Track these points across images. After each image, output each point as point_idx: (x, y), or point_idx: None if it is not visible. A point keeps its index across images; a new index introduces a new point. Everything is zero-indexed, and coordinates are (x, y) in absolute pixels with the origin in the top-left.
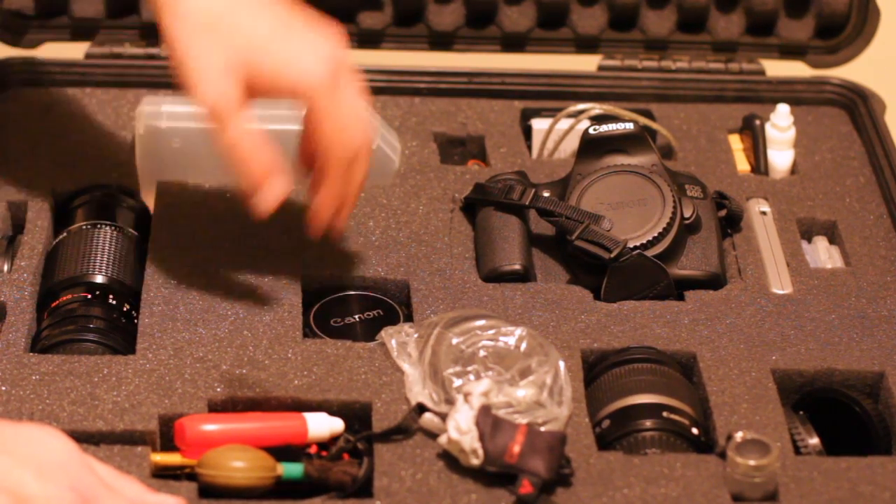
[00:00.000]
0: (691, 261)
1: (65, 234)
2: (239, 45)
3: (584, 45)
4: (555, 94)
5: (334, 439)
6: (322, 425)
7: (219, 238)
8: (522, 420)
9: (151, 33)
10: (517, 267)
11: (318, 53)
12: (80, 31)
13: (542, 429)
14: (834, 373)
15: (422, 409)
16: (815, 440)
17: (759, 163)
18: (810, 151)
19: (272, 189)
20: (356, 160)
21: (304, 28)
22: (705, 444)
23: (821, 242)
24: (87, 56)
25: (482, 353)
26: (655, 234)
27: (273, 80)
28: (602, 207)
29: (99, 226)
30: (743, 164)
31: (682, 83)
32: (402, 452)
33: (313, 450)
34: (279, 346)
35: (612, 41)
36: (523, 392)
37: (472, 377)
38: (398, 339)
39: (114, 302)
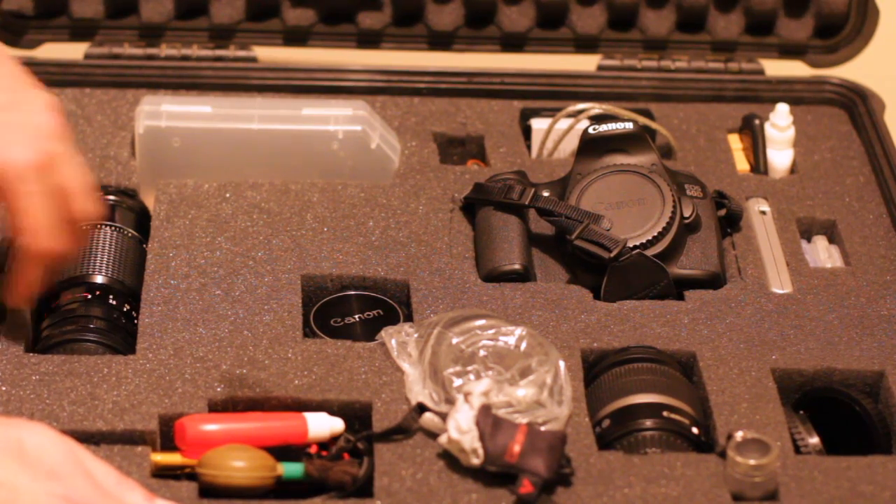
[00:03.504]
0: (691, 260)
1: None
2: None
3: (584, 44)
4: (554, 93)
5: (334, 439)
6: (322, 425)
7: (219, 238)
8: (523, 420)
9: (151, 33)
10: (517, 267)
11: (21, 144)
12: (79, 31)
13: (543, 428)
14: (834, 372)
15: (422, 408)
16: (815, 439)
17: (759, 162)
18: (810, 151)
19: None
20: (36, 260)
21: (15, 114)
22: (705, 444)
23: (820, 242)
24: (87, 56)
25: (482, 352)
26: (655, 234)
27: None
28: (602, 207)
29: (99, 226)
30: (742, 164)
31: (682, 83)
32: (402, 452)
33: (313, 450)
34: (279, 346)
35: (611, 41)
36: (523, 392)
37: (472, 377)
38: (398, 339)
39: (114, 302)
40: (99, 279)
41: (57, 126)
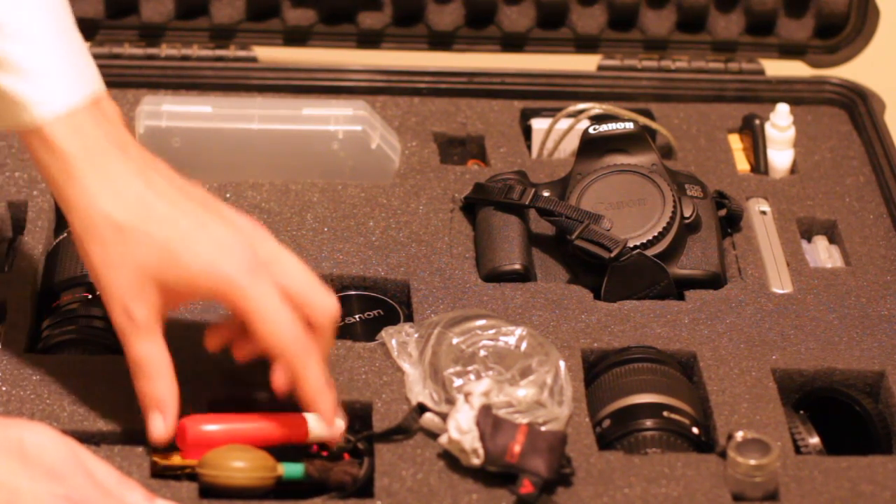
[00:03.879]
0: (691, 260)
1: (65, 234)
2: (148, 259)
3: (584, 44)
4: (554, 93)
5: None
6: (323, 425)
7: None
8: (523, 420)
9: (151, 33)
10: (517, 267)
11: (234, 254)
12: (79, 31)
13: (543, 428)
14: (834, 372)
15: (422, 408)
16: (815, 439)
17: (759, 162)
18: (810, 151)
19: (153, 422)
20: (303, 348)
21: (218, 224)
22: (706, 444)
23: (821, 242)
24: None
25: (482, 352)
26: (655, 234)
27: (190, 291)
28: (602, 207)
29: None
30: (743, 164)
31: (682, 83)
32: (402, 452)
33: (314, 450)
34: None
35: (611, 41)
36: (524, 392)
37: (472, 377)
38: (398, 339)
39: None
40: None
41: (259, 229)
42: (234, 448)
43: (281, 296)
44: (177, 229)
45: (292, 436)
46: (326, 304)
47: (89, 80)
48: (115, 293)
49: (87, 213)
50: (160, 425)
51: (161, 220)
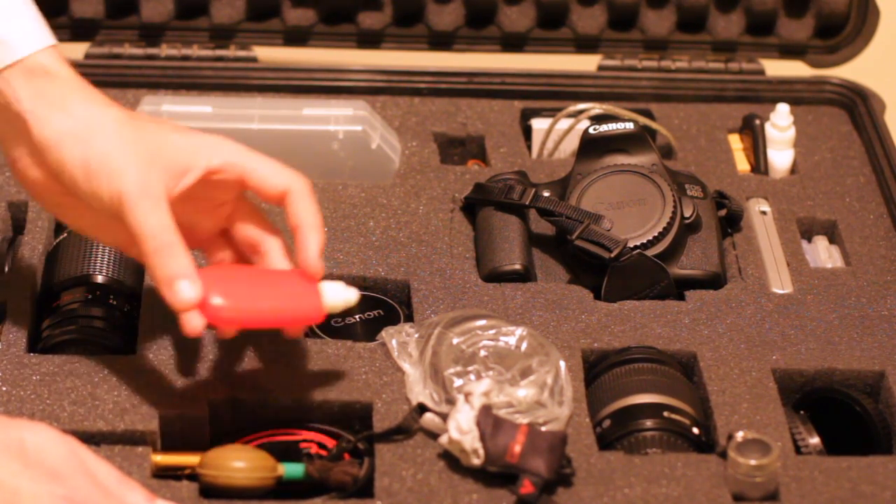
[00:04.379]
0: (691, 260)
1: (65, 234)
2: (153, 140)
3: (584, 45)
4: (555, 94)
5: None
6: (337, 296)
7: None
8: (523, 420)
9: (151, 33)
10: (517, 267)
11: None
12: (80, 31)
13: (543, 428)
14: (834, 372)
15: (422, 409)
16: (815, 440)
17: (759, 162)
18: (810, 151)
19: (182, 289)
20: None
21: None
22: (706, 444)
23: (821, 242)
24: (87, 56)
25: (483, 353)
26: (656, 234)
27: (191, 162)
28: (602, 207)
29: None
30: (743, 164)
31: (682, 83)
32: (402, 452)
33: (314, 450)
34: (280, 346)
35: (611, 41)
36: (524, 392)
37: (472, 377)
38: (399, 339)
39: (114, 302)
40: (99, 279)
41: None
42: (235, 448)
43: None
44: (168, 123)
45: (307, 309)
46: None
47: (51, 34)
48: (128, 172)
49: (88, 111)
50: (188, 289)
51: (152, 119)
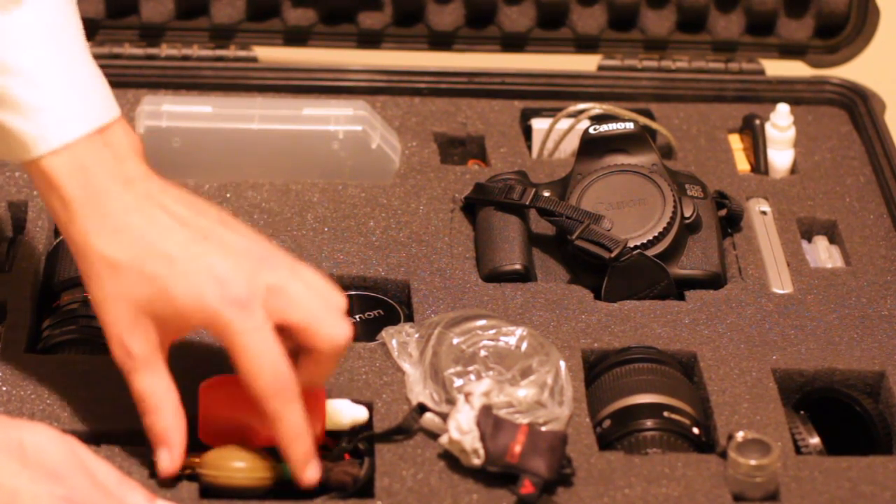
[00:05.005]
0: (692, 260)
1: None
2: (140, 294)
3: (584, 45)
4: (555, 94)
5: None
6: (343, 415)
7: None
8: (523, 420)
9: (151, 33)
10: (517, 267)
11: (225, 285)
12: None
13: (543, 429)
14: (834, 372)
15: (423, 409)
16: (815, 440)
17: (759, 162)
18: (810, 151)
19: (159, 457)
20: (281, 392)
21: (216, 254)
22: (706, 444)
23: (821, 242)
24: None
25: (483, 353)
26: (656, 234)
27: (181, 323)
28: (602, 207)
29: None
30: (743, 164)
31: (682, 83)
32: (403, 452)
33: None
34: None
35: (611, 41)
36: (524, 392)
37: (472, 377)
38: (399, 339)
39: None
40: None
41: (273, 252)
42: (235, 449)
43: (270, 333)
44: (169, 263)
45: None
46: (333, 334)
47: (94, 113)
48: (112, 329)
49: (85, 252)
50: (166, 459)
51: (155, 255)
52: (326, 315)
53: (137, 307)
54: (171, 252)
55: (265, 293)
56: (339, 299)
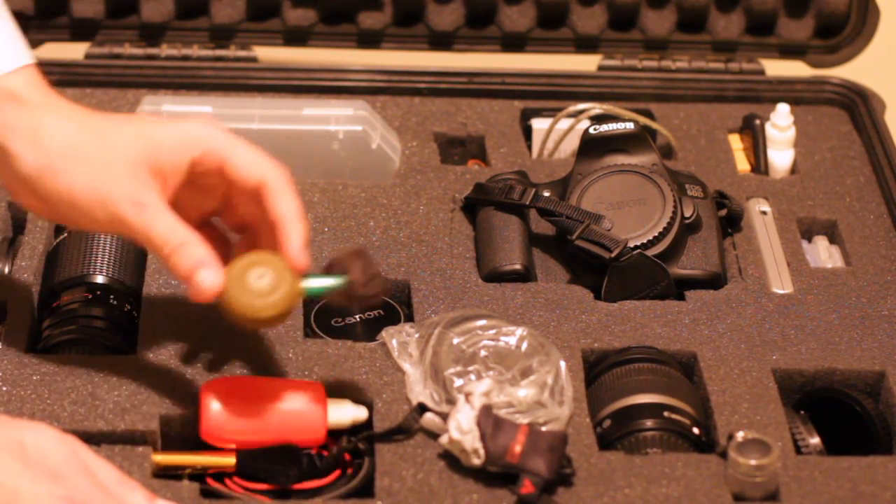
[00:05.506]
0: (692, 260)
1: (65, 234)
2: (132, 148)
3: (584, 45)
4: (555, 94)
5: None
6: (344, 416)
7: None
8: (524, 420)
9: (151, 33)
10: (518, 267)
11: (201, 122)
12: (80, 31)
13: (544, 428)
14: (834, 372)
15: (423, 409)
16: (815, 440)
17: (760, 162)
18: (810, 151)
19: (202, 277)
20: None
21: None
22: (706, 444)
23: (821, 242)
24: (87, 56)
25: (483, 353)
26: (656, 234)
27: (177, 160)
28: (602, 207)
29: None
30: (743, 164)
31: (682, 83)
32: (403, 452)
33: (314, 450)
34: (280, 347)
35: (612, 41)
36: (524, 392)
37: (473, 377)
38: (399, 339)
39: (114, 302)
40: (99, 279)
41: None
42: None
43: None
44: (144, 121)
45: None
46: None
47: (27, 52)
48: (119, 194)
49: (60, 142)
50: (209, 276)
51: (127, 121)
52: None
53: (135, 161)
54: (136, 118)
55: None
56: None
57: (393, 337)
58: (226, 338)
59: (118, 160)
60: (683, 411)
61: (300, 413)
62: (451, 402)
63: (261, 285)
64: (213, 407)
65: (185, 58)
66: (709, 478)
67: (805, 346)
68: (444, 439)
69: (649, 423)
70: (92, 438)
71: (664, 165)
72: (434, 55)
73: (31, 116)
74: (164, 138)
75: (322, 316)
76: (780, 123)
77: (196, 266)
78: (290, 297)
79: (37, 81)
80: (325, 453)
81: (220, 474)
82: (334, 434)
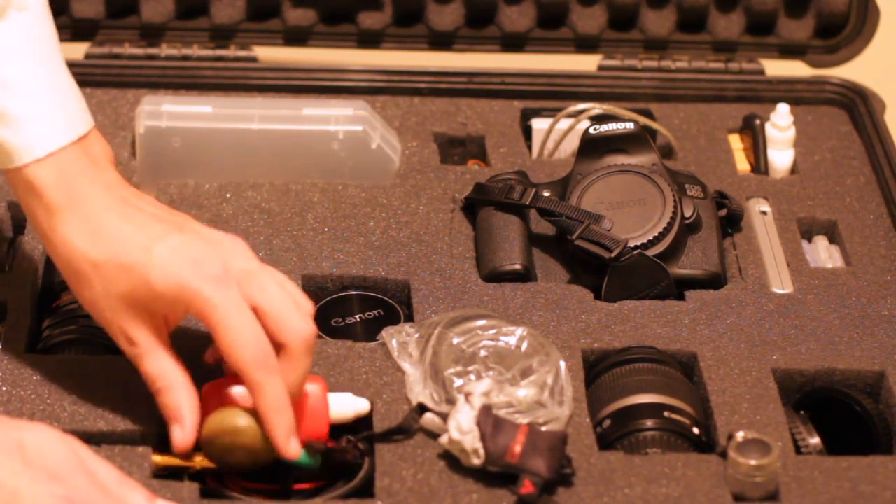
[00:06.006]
0: (692, 260)
1: None
2: (125, 286)
3: (584, 45)
4: (555, 94)
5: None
6: (346, 408)
7: None
8: (523, 420)
9: (151, 33)
10: (518, 267)
11: (201, 266)
12: (80, 31)
13: (543, 429)
14: (834, 372)
15: (423, 409)
16: (815, 440)
17: (760, 162)
18: (810, 151)
19: (173, 433)
20: (263, 363)
21: (190, 241)
22: (706, 444)
23: (821, 242)
24: (87, 56)
25: (483, 353)
26: (656, 234)
27: (167, 307)
28: (602, 207)
29: None
30: (743, 164)
31: (682, 83)
32: (403, 452)
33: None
34: None
35: (612, 41)
36: (524, 392)
37: (472, 377)
38: (399, 339)
39: None
40: None
41: (239, 245)
42: (234, 410)
43: (247, 309)
44: (147, 253)
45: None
46: (299, 327)
47: (75, 123)
48: (111, 325)
49: (68, 256)
50: (179, 434)
51: (133, 248)
52: (295, 308)
53: (126, 299)
54: (146, 243)
55: (239, 275)
56: (307, 301)
57: (393, 337)
58: None
59: (116, 293)
60: (683, 411)
61: (302, 408)
62: (451, 402)
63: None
64: (214, 409)
65: (185, 58)
66: (709, 478)
67: (805, 346)
68: (444, 439)
69: (649, 423)
70: (92, 438)
71: (664, 165)
72: (434, 55)
73: (47, 219)
74: (161, 289)
75: (322, 316)
76: (780, 123)
77: (171, 418)
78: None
79: (66, 170)
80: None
81: (220, 474)
82: (337, 428)
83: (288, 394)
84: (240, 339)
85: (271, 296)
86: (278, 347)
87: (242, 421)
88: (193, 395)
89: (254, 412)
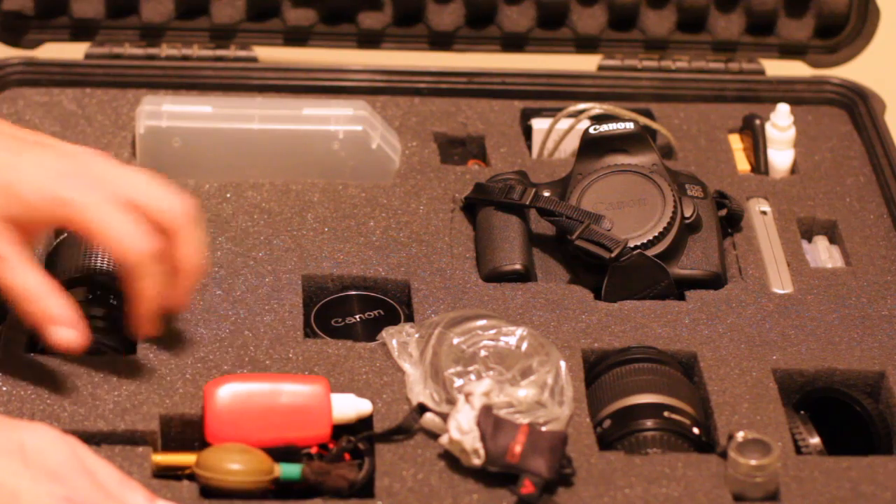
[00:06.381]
0: (692, 260)
1: (66, 234)
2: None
3: (584, 44)
4: (555, 94)
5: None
6: (348, 409)
7: (219, 238)
8: (524, 420)
9: (151, 33)
10: (518, 267)
11: (67, 177)
12: (80, 31)
13: (544, 429)
14: (835, 372)
15: (423, 409)
16: (816, 440)
17: (760, 162)
18: (810, 151)
19: (58, 334)
20: (145, 266)
21: (52, 156)
22: (706, 444)
23: (821, 242)
24: (87, 56)
25: (483, 353)
26: (656, 234)
27: (37, 219)
28: (602, 207)
29: None
30: (743, 164)
31: (682, 83)
32: (403, 452)
33: (314, 450)
34: (280, 347)
35: (612, 41)
36: (524, 392)
37: (473, 377)
38: (399, 339)
39: (115, 302)
40: (100, 279)
41: (97, 153)
42: (232, 449)
43: (121, 205)
44: (13, 169)
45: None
46: (173, 203)
47: None
48: None
49: None
50: (70, 333)
51: (1, 168)
52: (160, 188)
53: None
54: (11, 161)
55: (106, 178)
56: (175, 189)
57: (393, 337)
58: (225, 338)
59: None
60: (683, 411)
61: (305, 409)
62: (451, 402)
63: (234, 468)
64: (218, 406)
65: (185, 58)
66: (709, 478)
67: (805, 346)
68: (444, 439)
69: (649, 423)
70: (92, 438)
71: (664, 165)
72: (434, 55)
73: None
74: (35, 203)
75: (322, 316)
76: (780, 123)
77: (53, 321)
78: (259, 483)
79: None
80: (325, 453)
81: None
82: (340, 429)
83: (193, 270)
84: (122, 232)
85: (140, 187)
86: (164, 235)
87: (235, 466)
88: (66, 300)
89: (251, 450)
